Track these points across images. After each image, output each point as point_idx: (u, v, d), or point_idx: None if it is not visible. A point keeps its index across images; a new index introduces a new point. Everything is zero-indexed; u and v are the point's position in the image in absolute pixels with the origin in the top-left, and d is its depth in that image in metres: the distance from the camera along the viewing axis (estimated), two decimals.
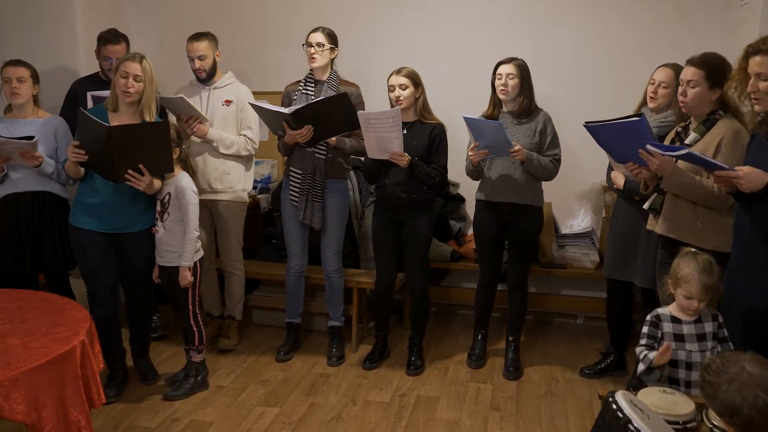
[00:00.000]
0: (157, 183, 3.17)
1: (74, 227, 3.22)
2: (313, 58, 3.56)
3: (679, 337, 2.48)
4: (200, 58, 3.67)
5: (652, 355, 2.43)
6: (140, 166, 3.02)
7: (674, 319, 2.50)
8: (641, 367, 2.47)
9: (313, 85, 3.63)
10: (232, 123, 3.75)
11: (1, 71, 3.37)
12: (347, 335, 3.99)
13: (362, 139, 3.58)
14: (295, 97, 3.64)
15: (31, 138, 3.19)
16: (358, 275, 4.05)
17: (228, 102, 3.73)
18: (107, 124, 2.95)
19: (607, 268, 3.55)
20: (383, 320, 3.85)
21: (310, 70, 3.64)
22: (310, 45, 3.56)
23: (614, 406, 1.84)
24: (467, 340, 3.99)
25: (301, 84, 3.66)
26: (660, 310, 2.54)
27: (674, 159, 2.77)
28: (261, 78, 4.25)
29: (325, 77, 3.62)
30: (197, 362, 3.41)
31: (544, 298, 4.53)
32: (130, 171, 3.01)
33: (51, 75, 4.10)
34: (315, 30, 3.58)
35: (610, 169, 3.45)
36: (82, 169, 3.17)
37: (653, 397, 2.18)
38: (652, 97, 3.27)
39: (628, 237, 3.39)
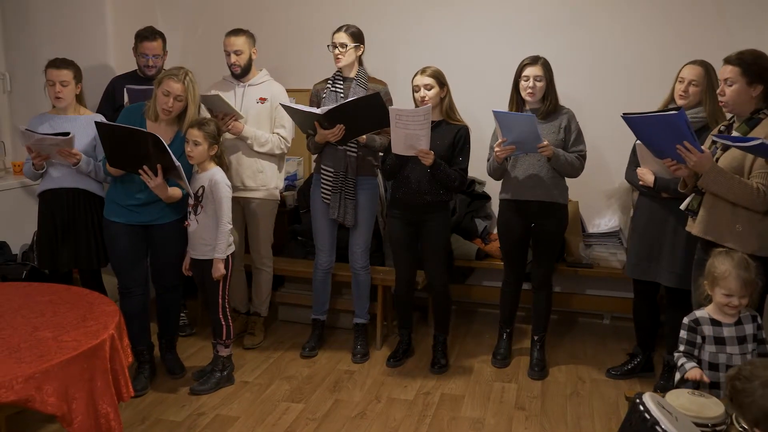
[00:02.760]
0: (173, 192, 3.22)
1: (107, 220, 3.31)
2: (338, 58, 3.58)
3: (719, 340, 2.43)
4: (236, 53, 3.70)
5: (689, 366, 2.39)
6: (158, 166, 3.09)
7: (714, 322, 2.45)
8: (678, 376, 2.44)
9: (341, 82, 3.64)
10: (265, 121, 3.77)
11: (45, 71, 3.39)
12: (372, 332, 4.00)
13: None
14: (324, 95, 3.66)
15: (66, 134, 3.24)
16: (383, 273, 4.05)
17: (262, 100, 3.76)
18: (144, 129, 3.07)
19: (630, 268, 3.49)
20: (405, 319, 3.85)
21: (338, 68, 3.66)
22: (334, 46, 3.58)
23: (641, 408, 1.83)
24: (492, 339, 3.98)
25: (329, 82, 3.67)
26: (698, 313, 2.49)
27: (713, 157, 2.72)
28: (290, 76, 4.27)
29: (353, 74, 3.63)
30: (224, 357, 3.44)
31: (570, 298, 4.49)
32: (145, 167, 3.09)
33: (83, 73, 4.17)
34: (338, 30, 3.59)
35: (631, 166, 3.42)
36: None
37: (682, 399, 2.16)
38: (682, 96, 3.20)
39: (653, 235, 3.34)
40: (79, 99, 3.51)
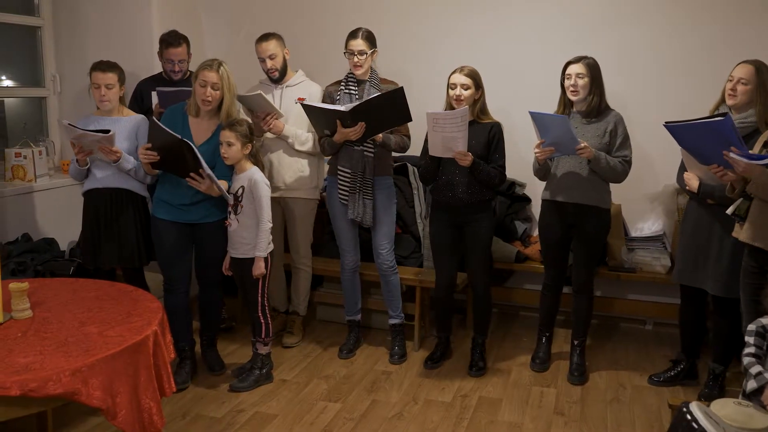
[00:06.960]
0: (224, 185, 3.28)
1: (155, 218, 3.39)
2: (358, 66, 3.57)
3: None
4: (271, 57, 3.73)
5: None
6: (200, 170, 3.15)
7: None
8: (753, 384, 2.31)
9: (355, 84, 3.64)
10: (305, 120, 3.79)
11: (90, 74, 3.44)
12: (409, 333, 3.99)
13: (405, 135, 3.62)
14: (338, 97, 3.65)
15: (107, 131, 3.30)
16: (421, 274, 4.04)
17: (301, 100, 3.78)
18: (179, 136, 3.11)
19: (676, 274, 3.43)
20: (444, 322, 3.83)
21: (357, 74, 3.64)
22: (352, 53, 3.57)
23: (689, 417, 1.79)
24: (531, 343, 3.94)
25: (342, 84, 3.67)
26: (764, 320, 2.43)
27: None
28: (331, 76, 4.28)
29: (366, 77, 3.63)
30: (263, 354, 3.48)
31: (612, 302, 4.41)
32: (192, 174, 3.16)
33: (128, 75, 4.24)
34: (353, 37, 3.57)
35: (681, 169, 3.34)
36: (156, 170, 3.34)
37: (728, 408, 2.10)
38: (730, 94, 3.10)
39: (699, 242, 3.27)
40: (121, 100, 3.57)
